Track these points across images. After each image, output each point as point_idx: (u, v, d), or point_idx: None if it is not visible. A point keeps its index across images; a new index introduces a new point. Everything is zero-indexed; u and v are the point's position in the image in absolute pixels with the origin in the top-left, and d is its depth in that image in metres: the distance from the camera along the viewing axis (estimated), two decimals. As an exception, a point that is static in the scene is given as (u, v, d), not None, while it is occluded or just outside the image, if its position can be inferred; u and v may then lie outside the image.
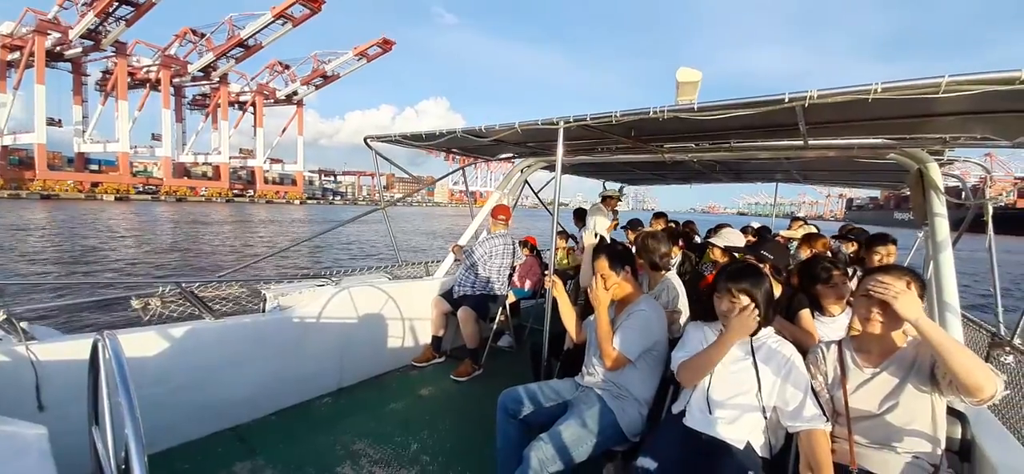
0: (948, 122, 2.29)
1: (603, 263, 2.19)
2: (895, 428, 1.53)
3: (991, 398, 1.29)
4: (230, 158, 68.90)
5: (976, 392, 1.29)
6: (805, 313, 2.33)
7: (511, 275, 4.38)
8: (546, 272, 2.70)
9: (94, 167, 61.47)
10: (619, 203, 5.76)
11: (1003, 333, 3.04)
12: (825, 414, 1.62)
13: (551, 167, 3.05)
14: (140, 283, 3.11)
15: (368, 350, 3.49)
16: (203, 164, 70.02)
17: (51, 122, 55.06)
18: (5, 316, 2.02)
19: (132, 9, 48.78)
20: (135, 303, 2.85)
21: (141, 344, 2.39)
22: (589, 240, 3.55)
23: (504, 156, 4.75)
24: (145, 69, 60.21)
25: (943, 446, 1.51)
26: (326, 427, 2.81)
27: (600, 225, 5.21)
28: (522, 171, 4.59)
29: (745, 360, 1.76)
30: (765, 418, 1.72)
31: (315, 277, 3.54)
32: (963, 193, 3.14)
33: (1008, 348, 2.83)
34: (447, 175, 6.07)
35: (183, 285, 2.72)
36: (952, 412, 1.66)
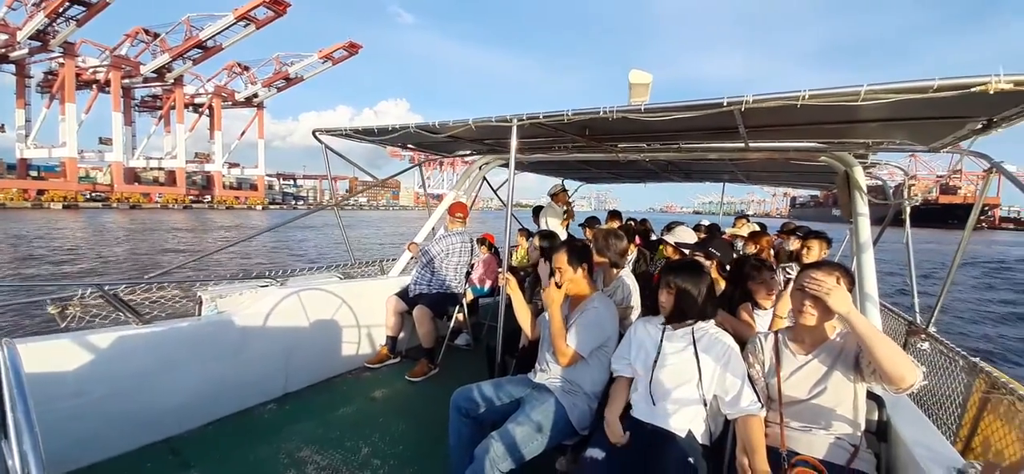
0: (872, 128, 2.48)
1: (562, 258, 2.20)
2: (822, 412, 1.64)
3: (911, 387, 1.40)
4: (186, 163, 63.92)
5: (899, 382, 1.39)
6: (746, 306, 2.48)
7: (469, 273, 4.35)
8: (500, 269, 2.70)
9: (33, 173, 55.80)
10: (568, 197, 5.83)
11: (919, 321, 3.34)
12: (760, 401, 1.72)
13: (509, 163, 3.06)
14: (57, 287, 2.82)
15: (317, 353, 3.35)
16: (155, 169, 65.04)
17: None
18: None
19: (84, 9, 45.23)
20: (50, 309, 2.59)
21: (58, 353, 2.18)
22: (536, 241, 3.59)
23: (462, 154, 4.71)
24: (92, 70, 55.19)
25: (863, 428, 1.64)
26: (269, 435, 2.67)
27: (552, 223, 5.28)
28: (480, 168, 4.56)
29: (687, 351, 1.84)
30: (705, 407, 1.80)
31: (258, 278, 3.34)
32: (886, 193, 3.42)
33: (923, 335, 3.12)
34: (403, 172, 5.92)
35: (106, 288, 2.50)
36: (871, 396, 1.79)
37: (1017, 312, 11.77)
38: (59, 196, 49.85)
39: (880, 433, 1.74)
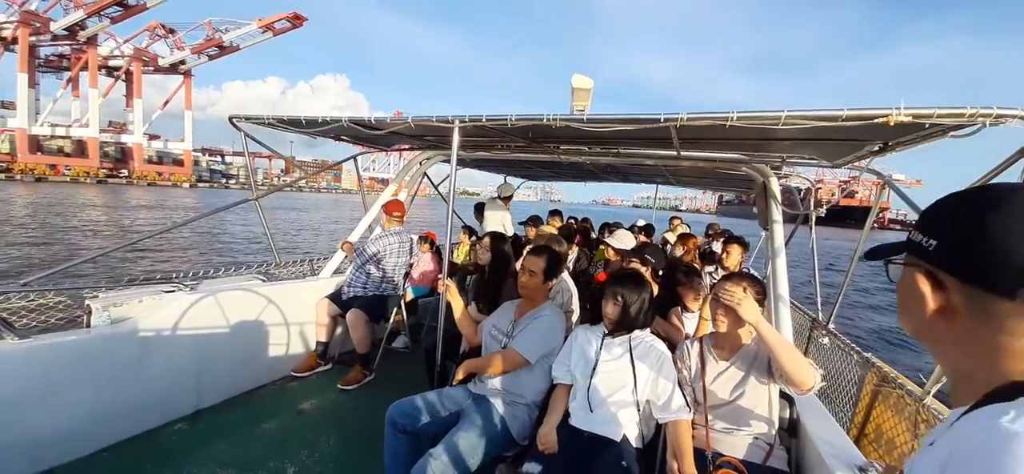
0: (786, 145, 2.70)
1: (540, 265, 2.16)
2: (741, 413, 1.75)
3: (812, 389, 1.57)
4: (100, 132, 56.14)
5: (800, 385, 1.55)
6: (676, 310, 2.60)
7: (408, 273, 4.19)
8: (440, 276, 2.61)
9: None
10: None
11: (820, 318, 3.72)
12: (688, 405, 1.81)
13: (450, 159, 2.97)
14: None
15: (235, 363, 3.04)
16: (61, 138, 55.98)
17: None
18: None
19: None
20: None
21: None
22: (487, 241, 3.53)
23: (401, 146, 4.51)
24: None
25: (777, 426, 1.77)
26: (176, 459, 2.39)
27: (500, 221, 5.25)
28: (421, 163, 4.40)
29: (623, 358, 1.88)
30: (639, 411, 1.86)
31: (162, 282, 2.97)
32: (796, 202, 3.75)
33: (824, 331, 3.47)
34: (340, 163, 5.56)
35: None
36: (783, 395, 1.94)
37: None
38: None
39: (791, 430, 1.89)
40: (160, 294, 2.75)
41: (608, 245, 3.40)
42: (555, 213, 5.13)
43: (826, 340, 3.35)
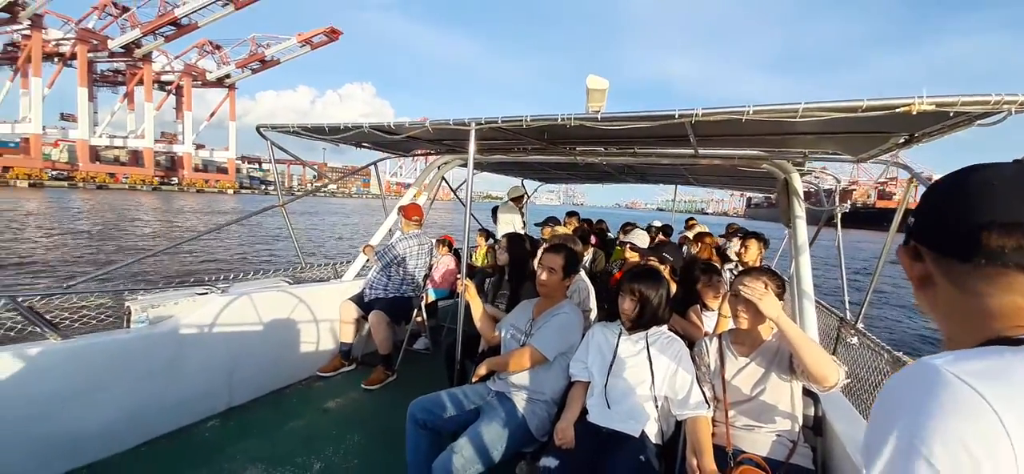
0: (808, 139, 2.65)
1: (558, 261, 2.18)
2: (763, 410, 1.73)
3: (835, 386, 1.53)
4: (155, 142, 61.06)
5: (822, 381, 1.52)
6: (694, 308, 2.58)
7: (428, 275, 4.26)
8: (459, 276, 2.66)
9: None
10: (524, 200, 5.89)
11: (849, 317, 3.62)
12: (707, 401, 1.80)
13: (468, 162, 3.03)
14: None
15: (264, 363, 3.16)
16: (118, 148, 61.09)
17: None
18: None
19: None
20: None
21: None
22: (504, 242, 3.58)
23: (420, 152, 4.60)
24: (56, 42, 51.24)
25: (800, 423, 1.75)
26: (210, 455, 2.49)
27: (514, 223, 5.30)
28: (438, 168, 4.48)
29: (640, 355, 1.89)
30: (657, 408, 1.86)
31: (196, 285, 3.11)
32: (821, 199, 3.66)
33: (853, 331, 3.38)
34: (364, 168, 5.69)
35: (20, 299, 2.23)
36: (807, 393, 1.91)
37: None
38: (24, 173, 47.67)
39: (816, 428, 1.86)
40: (194, 296, 2.88)
41: (625, 244, 3.39)
42: (572, 214, 5.14)
43: (855, 340, 3.26)
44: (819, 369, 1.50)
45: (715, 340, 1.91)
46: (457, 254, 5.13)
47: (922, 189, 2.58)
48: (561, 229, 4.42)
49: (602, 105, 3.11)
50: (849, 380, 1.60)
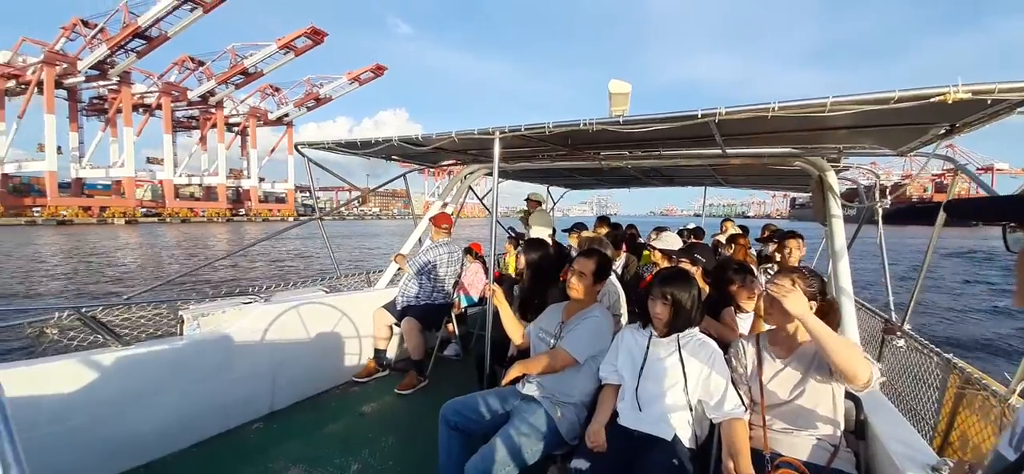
0: (841, 134, 2.57)
1: (590, 266, 2.20)
2: (802, 413, 1.68)
3: (867, 385, 1.46)
4: (226, 178, 69.20)
5: (853, 379, 1.46)
6: (728, 310, 2.52)
7: (457, 283, 4.34)
8: (487, 282, 2.71)
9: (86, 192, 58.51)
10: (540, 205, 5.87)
11: (894, 319, 3.44)
12: (744, 404, 1.76)
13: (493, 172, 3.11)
14: (32, 309, 2.74)
15: (304, 369, 3.31)
16: (194, 185, 69.48)
17: (42, 147, 52.03)
18: None
19: (144, 42, 49.67)
20: (28, 331, 2.52)
21: (34, 379, 2.13)
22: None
23: (447, 164, 4.72)
24: (140, 95, 58.86)
25: (842, 427, 1.69)
26: (255, 456, 2.62)
27: (541, 230, 5.31)
28: (464, 178, 4.58)
29: (672, 357, 1.87)
30: (691, 411, 1.83)
31: (241, 295, 3.29)
32: (862, 194, 3.52)
33: (899, 332, 3.21)
34: (387, 183, 5.86)
35: (83, 310, 2.44)
36: (850, 396, 1.85)
37: (995, 304, 12.13)
38: (120, 212, 54.92)
39: (859, 432, 1.79)
40: (240, 305, 3.05)
41: (653, 247, 3.35)
42: (603, 219, 5.11)
43: (902, 342, 3.10)
44: (849, 366, 1.45)
45: (752, 342, 1.87)
46: (484, 262, 5.20)
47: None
48: (588, 234, 4.41)
49: (625, 108, 3.12)
50: (884, 378, 1.53)
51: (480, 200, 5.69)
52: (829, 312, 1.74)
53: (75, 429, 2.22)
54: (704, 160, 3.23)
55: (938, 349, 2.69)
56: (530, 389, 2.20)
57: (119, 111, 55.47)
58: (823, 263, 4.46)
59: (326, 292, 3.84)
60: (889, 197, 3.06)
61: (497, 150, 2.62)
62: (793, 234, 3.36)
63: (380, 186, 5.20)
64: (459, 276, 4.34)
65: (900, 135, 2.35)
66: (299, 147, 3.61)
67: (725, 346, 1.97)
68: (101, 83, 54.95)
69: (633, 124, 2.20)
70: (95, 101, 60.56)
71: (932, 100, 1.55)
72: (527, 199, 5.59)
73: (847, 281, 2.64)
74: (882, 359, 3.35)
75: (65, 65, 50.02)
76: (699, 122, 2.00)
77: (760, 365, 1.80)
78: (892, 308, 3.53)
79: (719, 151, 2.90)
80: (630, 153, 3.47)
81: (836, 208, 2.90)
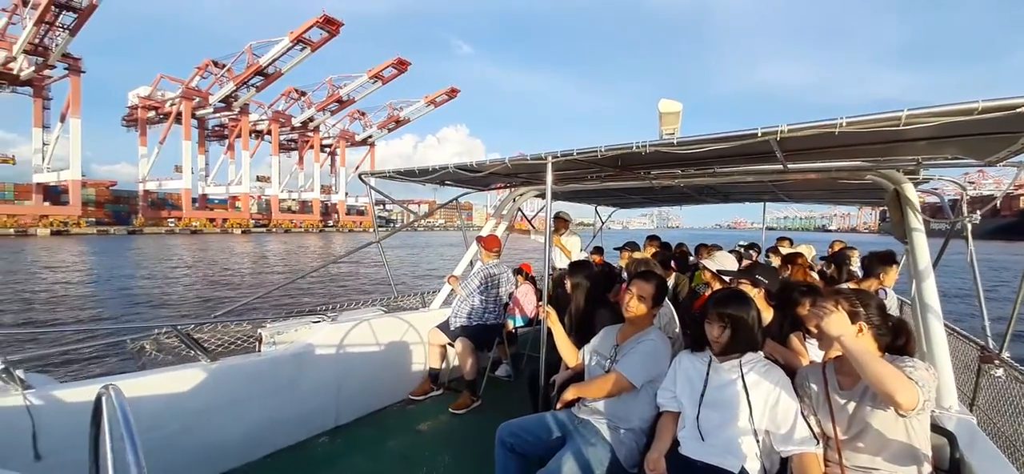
0: (921, 145, 2.39)
1: (649, 290, 2.18)
2: (880, 447, 1.55)
3: (913, 409, 1.36)
4: (320, 193, 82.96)
5: (890, 401, 1.37)
6: (796, 336, 2.38)
7: (507, 304, 4.40)
8: (540, 303, 2.74)
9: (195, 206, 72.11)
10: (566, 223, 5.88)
11: (991, 346, 3.08)
12: (815, 437, 1.66)
13: (544, 193, 3.17)
14: (133, 328, 3.11)
15: (365, 386, 3.48)
16: (293, 200, 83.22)
17: (178, 169, 66.12)
18: (3, 366, 2.02)
19: (263, 78, 61.73)
20: (130, 346, 2.85)
21: (137, 390, 2.38)
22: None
23: (498, 186, 4.84)
24: (254, 123, 72.29)
25: (929, 465, 1.54)
26: (323, 468, 2.78)
27: (574, 245, 5.32)
28: (515, 199, 4.68)
29: (735, 384, 1.79)
30: (758, 441, 1.74)
31: (310, 313, 3.55)
32: (946, 208, 3.22)
33: (997, 361, 2.87)
34: (449, 203, 6.05)
35: (178, 327, 2.73)
36: (941, 431, 1.69)
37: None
38: (237, 224, 68.35)
39: (953, 471, 1.63)
40: (310, 324, 3.28)
41: (705, 267, 3.22)
42: (652, 238, 5.02)
43: (1000, 372, 2.77)
44: (882, 387, 1.36)
45: (819, 369, 1.77)
46: (534, 282, 5.23)
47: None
48: (640, 254, 4.34)
49: (676, 127, 3.07)
50: (927, 399, 1.38)
51: (529, 220, 5.77)
52: (901, 334, 1.63)
53: (168, 436, 2.46)
54: (762, 176, 3.11)
55: None
56: (586, 413, 2.19)
57: (239, 136, 68.55)
58: (900, 284, 4.10)
59: (385, 311, 4.04)
60: (978, 212, 2.77)
61: (549, 175, 2.68)
62: (886, 259, 3.13)
63: (442, 205, 5.44)
64: (510, 296, 4.41)
65: (987, 144, 2.16)
66: (362, 176, 3.87)
67: (792, 374, 1.87)
68: (225, 113, 68.09)
69: (688, 145, 2.18)
70: (217, 128, 74.77)
71: (1017, 110, 1.43)
72: (555, 217, 5.58)
73: (935, 301, 2.42)
74: (979, 390, 3.01)
75: (198, 99, 62.94)
76: (759, 140, 1.95)
77: (828, 396, 1.69)
78: (988, 333, 3.17)
79: (780, 166, 2.79)
80: (682, 171, 3.40)
81: (917, 222, 2.68)
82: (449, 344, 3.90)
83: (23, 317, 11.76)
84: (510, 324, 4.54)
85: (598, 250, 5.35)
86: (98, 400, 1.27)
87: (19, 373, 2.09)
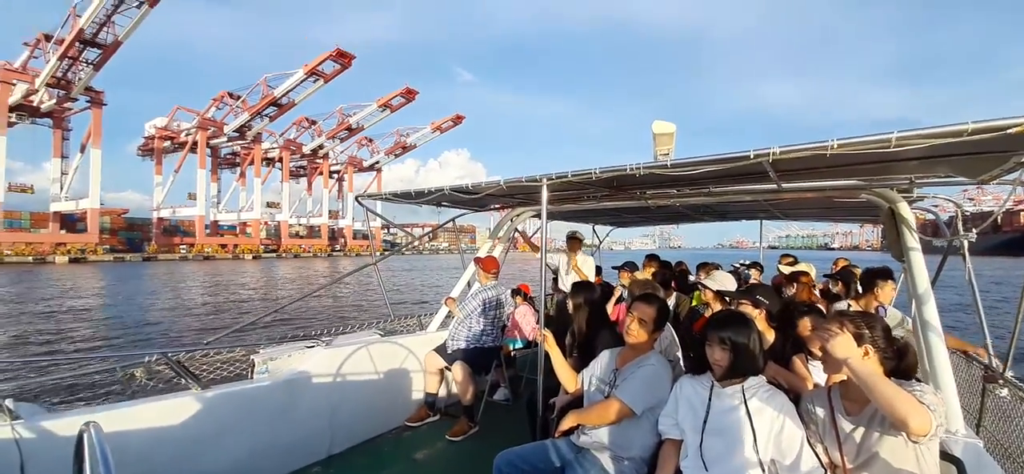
0: (913, 164, 2.38)
1: (651, 313, 2.15)
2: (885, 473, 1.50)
3: (925, 434, 1.30)
4: (328, 218, 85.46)
5: (902, 426, 1.32)
6: (798, 358, 2.32)
7: (505, 325, 4.35)
8: (537, 325, 2.70)
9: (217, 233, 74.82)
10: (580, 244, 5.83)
11: (995, 365, 3.01)
12: (823, 466, 1.60)
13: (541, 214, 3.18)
14: (123, 356, 3.08)
15: (359, 412, 3.40)
16: (301, 225, 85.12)
17: (192, 196, 68.05)
18: None
19: (276, 108, 63.60)
20: (120, 374, 2.81)
21: (125, 421, 2.33)
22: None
23: (494, 207, 4.85)
24: (266, 151, 73.66)
25: None
26: None
27: (589, 266, 5.27)
28: (512, 220, 4.67)
29: (738, 411, 1.74)
30: (763, 471, 1.67)
31: (305, 338, 3.51)
32: (941, 226, 3.19)
33: (1001, 381, 2.79)
34: (446, 223, 6.03)
35: (169, 354, 2.70)
36: (946, 456, 1.63)
37: None
38: (247, 250, 69.69)
39: None
40: (304, 349, 3.24)
41: (705, 287, 3.19)
42: (652, 257, 4.98)
43: (1005, 392, 2.69)
44: (894, 411, 1.31)
45: (824, 395, 1.72)
46: (532, 303, 5.18)
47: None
48: (639, 275, 4.30)
49: (670, 149, 3.08)
50: (940, 424, 1.32)
51: (527, 239, 5.75)
52: (904, 355, 1.59)
53: (156, 468, 2.39)
54: (757, 195, 3.09)
55: None
56: (586, 441, 2.13)
57: (251, 164, 71.08)
58: (900, 302, 4.03)
59: (381, 335, 3.99)
60: (974, 229, 2.73)
61: (545, 195, 2.68)
62: (881, 274, 3.09)
63: (440, 226, 5.44)
64: (508, 318, 4.36)
65: (979, 164, 2.15)
66: (359, 199, 3.88)
67: (796, 398, 1.82)
68: (239, 142, 69.58)
69: (681, 167, 2.18)
70: (229, 156, 76.56)
71: (1009, 132, 1.42)
72: (568, 237, 5.53)
73: (936, 320, 2.37)
74: (985, 411, 2.92)
75: (213, 129, 64.77)
76: (752, 162, 1.94)
77: (834, 422, 1.63)
78: (991, 352, 3.09)
79: (774, 186, 2.77)
80: (677, 191, 3.40)
81: (913, 240, 2.65)
82: (446, 368, 3.83)
83: (14, 346, 11.69)
84: (508, 347, 4.48)
85: (597, 270, 5.32)
86: (79, 437, 1.25)
87: (8, 402, 2.06)
